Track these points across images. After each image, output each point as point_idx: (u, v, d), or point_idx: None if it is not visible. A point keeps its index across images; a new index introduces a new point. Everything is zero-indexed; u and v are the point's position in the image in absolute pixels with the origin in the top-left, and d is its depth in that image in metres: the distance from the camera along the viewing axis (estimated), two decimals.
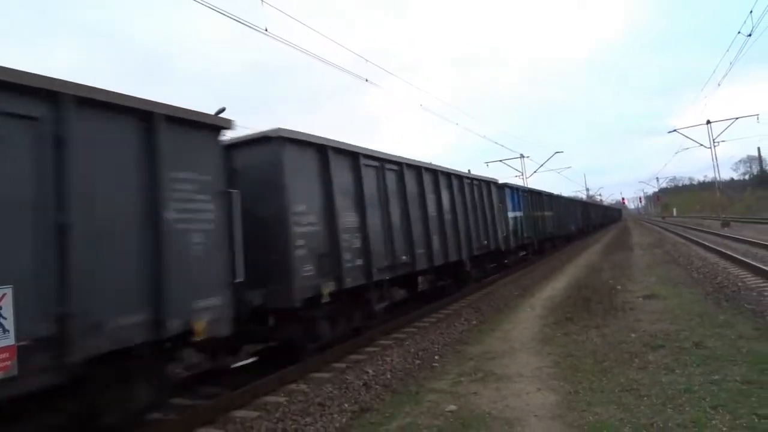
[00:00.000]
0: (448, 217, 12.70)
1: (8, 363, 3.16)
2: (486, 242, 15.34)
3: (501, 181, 19.86)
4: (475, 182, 15.30)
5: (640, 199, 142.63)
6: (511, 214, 18.88)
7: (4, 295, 3.14)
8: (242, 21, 9.64)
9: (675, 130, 41.58)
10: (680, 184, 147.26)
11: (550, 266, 20.18)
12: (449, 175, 13.25)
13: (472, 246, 14.14)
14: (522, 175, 44.90)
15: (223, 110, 6.62)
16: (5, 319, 3.12)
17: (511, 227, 18.48)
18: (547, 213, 25.95)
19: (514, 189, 20.32)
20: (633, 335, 7.54)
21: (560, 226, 29.56)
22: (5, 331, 3.11)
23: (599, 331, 7.98)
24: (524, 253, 21.66)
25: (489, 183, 16.74)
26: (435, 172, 12.34)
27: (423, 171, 11.57)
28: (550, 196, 27.88)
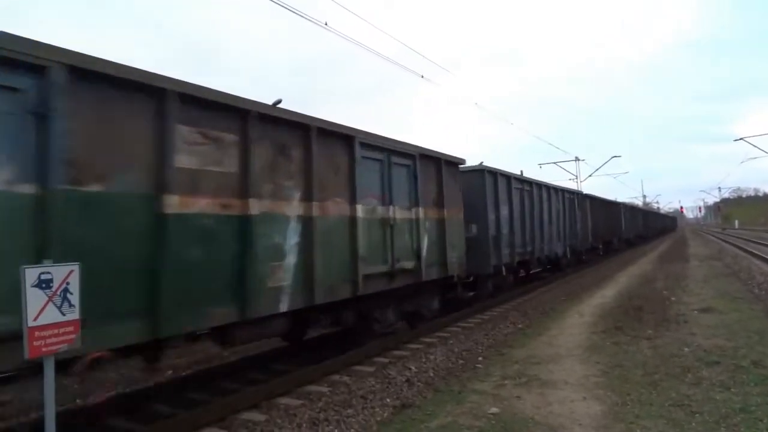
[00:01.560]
0: None
1: (72, 336, 3.33)
2: None
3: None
4: None
5: (699, 208, 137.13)
6: None
7: (71, 271, 3.31)
8: (303, 15, 9.76)
9: (742, 139, 39.71)
10: (744, 195, 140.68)
11: (599, 274, 19.67)
12: None
13: None
14: (576, 178, 43.85)
15: (279, 102, 6.74)
16: (72, 294, 3.29)
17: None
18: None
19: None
20: (686, 349, 7.27)
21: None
22: (71, 305, 3.29)
23: (651, 343, 7.74)
24: None
25: None
26: None
27: None
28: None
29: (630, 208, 40.44)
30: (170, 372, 7.65)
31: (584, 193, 23.71)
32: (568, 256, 19.05)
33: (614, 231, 30.09)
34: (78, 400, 6.11)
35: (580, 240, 20.75)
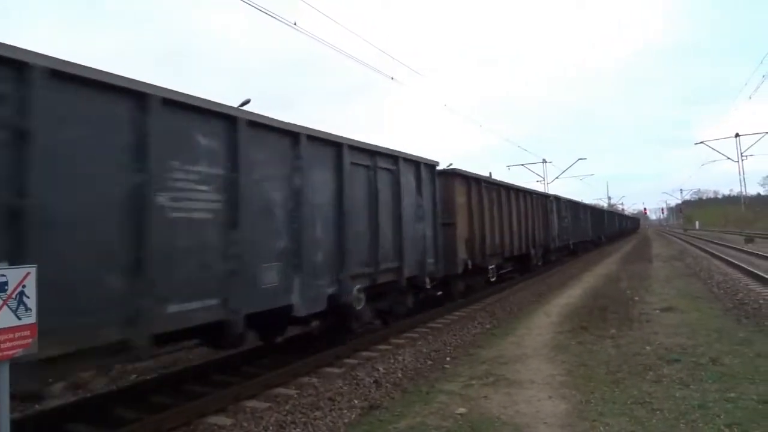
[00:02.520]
0: None
1: (29, 341, 3.23)
2: None
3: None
4: None
5: (662, 210, 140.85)
6: None
7: (27, 274, 3.21)
8: (271, 14, 9.66)
9: (702, 142, 40.98)
10: (704, 197, 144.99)
11: (566, 274, 20.01)
12: None
13: None
14: (544, 180, 44.53)
15: (247, 102, 6.68)
16: (28, 298, 3.19)
17: None
18: None
19: None
20: (648, 348, 7.45)
21: None
22: (28, 309, 3.19)
23: (614, 342, 7.90)
24: None
25: None
26: None
27: None
28: None
29: (572, 205, 27.41)
30: (134, 376, 7.50)
31: (443, 168, 11.89)
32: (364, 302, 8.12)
33: (533, 239, 18.23)
34: (37, 406, 5.94)
35: (414, 264, 9.75)
